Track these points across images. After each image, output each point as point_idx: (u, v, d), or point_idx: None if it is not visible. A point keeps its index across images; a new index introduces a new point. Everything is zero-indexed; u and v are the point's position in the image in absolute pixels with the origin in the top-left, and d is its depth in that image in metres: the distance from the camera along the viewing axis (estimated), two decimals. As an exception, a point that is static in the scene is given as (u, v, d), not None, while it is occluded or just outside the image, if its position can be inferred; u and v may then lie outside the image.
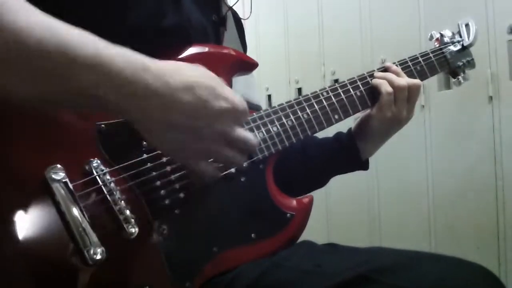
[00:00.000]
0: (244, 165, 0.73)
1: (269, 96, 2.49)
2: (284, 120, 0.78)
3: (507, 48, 1.56)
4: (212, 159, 0.63)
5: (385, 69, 0.91)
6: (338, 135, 0.96)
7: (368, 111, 0.90)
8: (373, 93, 0.88)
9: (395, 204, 1.94)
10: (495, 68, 1.58)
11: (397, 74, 0.90)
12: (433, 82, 1.73)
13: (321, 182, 0.98)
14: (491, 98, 1.61)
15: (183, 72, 0.58)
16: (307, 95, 0.82)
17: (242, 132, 0.64)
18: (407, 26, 1.83)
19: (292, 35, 2.38)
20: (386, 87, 0.87)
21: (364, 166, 0.95)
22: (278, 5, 2.41)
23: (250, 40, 1.00)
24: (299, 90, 2.33)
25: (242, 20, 0.99)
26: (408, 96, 0.88)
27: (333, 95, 0.84)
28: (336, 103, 0.84)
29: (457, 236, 1.72)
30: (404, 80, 0.88)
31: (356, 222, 2.08)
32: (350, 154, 0.93)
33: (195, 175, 0.65)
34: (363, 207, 2.04)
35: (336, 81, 2.12)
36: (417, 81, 0.90)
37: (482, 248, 1.64)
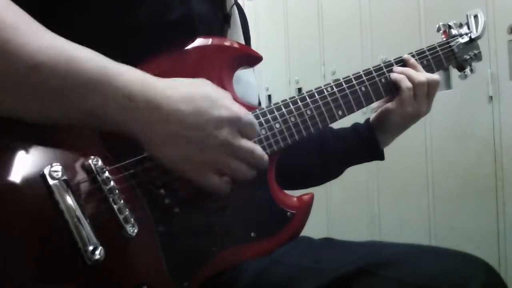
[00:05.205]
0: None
1: (269, 96, 2.49)
2: (287, 117, 0.76)
3: (507, 48, 1.56)
4: (218, 172, 0.64)
5: (403, 61, 0.92)
6: (356, 126, 0.98)
7: (387, 104, 0.91)
8: (386, 86, 0.89)
9: (395, 203, 1.94)
10: (495, 68, 1.58)
11: (415, 68, 0.91)
12: (433, 82, 1.74)
13: (337, 173, 1.01)
14: (491, 98, 1.61)
15: (183, 86, 0.62)
16: (311, 90, 0.80)
17: (247, 143, 0.65)
18: (407, 26, 1.84)
19: (292, 35, 2.38)
20: (406, 83, 0.88)
21: (382, 156, 0.98)
22: (278, 5, 2.41)
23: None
24: (299, 90, 2.33)
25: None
26: (427, 92, 0.90)
27: (337, 90, 0.83)
28: (340, 99, 0.82)
29: (457, 236, 1.72)
30: (423, 76, 0.90)
31: (356, 222, 2.08)
32: (370, 146, 0.96)
33: (206, 189, 0.65)
34: (363, 206, 2.04)
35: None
36: (436, 76, 0.91)
37: (482, 248, 1.63)
